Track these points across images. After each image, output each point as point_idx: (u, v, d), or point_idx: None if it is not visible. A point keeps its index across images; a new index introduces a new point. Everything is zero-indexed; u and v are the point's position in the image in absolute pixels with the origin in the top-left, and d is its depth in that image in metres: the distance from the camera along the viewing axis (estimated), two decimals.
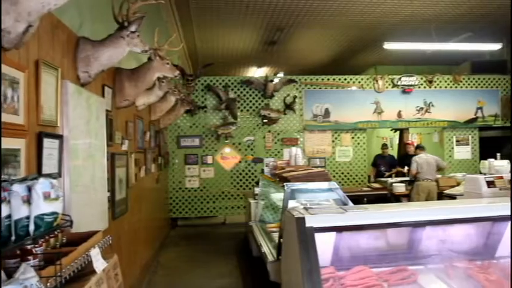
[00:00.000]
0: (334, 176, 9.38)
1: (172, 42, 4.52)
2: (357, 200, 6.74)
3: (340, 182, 9.33)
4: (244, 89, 9.30)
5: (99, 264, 2.11)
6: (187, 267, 6.30)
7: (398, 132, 11.49)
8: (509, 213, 2.84)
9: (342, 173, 9.60)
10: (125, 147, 4.53)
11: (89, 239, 2.14)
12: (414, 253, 3.09)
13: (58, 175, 2.59)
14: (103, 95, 3.75)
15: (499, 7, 8.91)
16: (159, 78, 4.87)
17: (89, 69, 3.15)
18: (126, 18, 3.21)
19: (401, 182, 8.24)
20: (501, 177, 3.62)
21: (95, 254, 2.10)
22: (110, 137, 3.95)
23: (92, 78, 3.21)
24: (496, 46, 9.77)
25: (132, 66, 4.33)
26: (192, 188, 9.22)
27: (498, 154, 7.06)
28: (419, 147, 8.30)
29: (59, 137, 2.70)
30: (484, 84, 10.15)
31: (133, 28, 3.18)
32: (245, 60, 13.24)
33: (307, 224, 2.58)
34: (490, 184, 3.59)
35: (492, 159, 4.80)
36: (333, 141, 9.59)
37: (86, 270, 2.05)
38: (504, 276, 2.83)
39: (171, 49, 4.42)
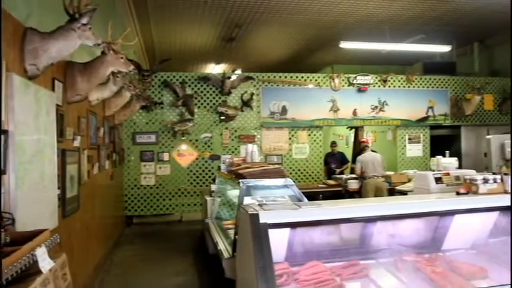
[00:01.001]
0: (290, 173, 9.46)
1: (128, 37, 4.42)
2: (313, 196, 6.83)
3: (296, 179, 9.45)
4: (201, 86, 9.22)
5: (46, 263, 2.04)
6: (142, 265, 6.19)
7: (353, 130, 11.71)
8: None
9: (299, 170, 9.70)
10: (76, 144, 4.40)
11: (34, 238, 2.06)
12: (366, 248, 3.17)
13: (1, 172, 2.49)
14: (53, 89, 3.62)
15: (449, 11, 9.25)
16: (113, 73, 4.76)
17: (37, 62, 3.03)
18: (78, 10, 3.11)
19: (356, 178, 8.43)
20: (448, 174, 3.76)
21: (41, 254, 2.02)
22: (61, 133, 3.83)
23: (40, 71, 3.09)
24: (446, 48, 10.17)
25: (85, 60, 4.21)
26: (148, 185, 9.07)
27: (447, 152, 7.34)
28: (363, 148, 8.56)
29: (4, 132, 2.58)
30: (435, 85, 10.50)
31: (84, 20, 3.08)
32: (203, 56, 13.15)
33: (261, 220, 2.60)
34: (438, 180, 3.72)
35: (440, 156, 4.98)
36: (290, 138, 9.67)
37: (32, 271, 1.98)
38: (449, 268, 2.95)
39: (126, 43, 4.32)
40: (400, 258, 3.08)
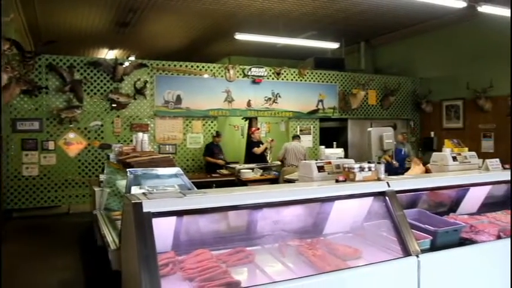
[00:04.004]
0: (185, 163, 9.42)
1: (6, 12, 4.04)
2: (207, 186, 6.81)
3: (190, 169, 9.42)
4: (91, 71, 8.75)
5: None
6: (23, 262, 5.76)
7: (248, 120, 11.94)
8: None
9: (193, 160, 9.67)
10: None
11: None
12: (252, 234, 3.25)
13: None
14: None
15: (339, 11, 9.79)
16: None
17: None
18: None
19: (250, 168, 8.63)
20: (329, 163, 3.98)
21: None
22: None
23: None
24: (335, 45, 10.77)
25: None
26: (31, 176, 8.42)
27: (335, 143, 7.78)
28: (295, 137, 9.36)
29: None
30: (325, 79, 11.06)
31: None
32: (95, 40, 12.52)
33: (145, 209, 2.54)
34: (321, 169, 3.92)
35: (323, 147, 5.27)
36: (184, 128, 9.59)
37: None
38: (328, 250, 3.13)
39: None
40: (284, 243, 3.20)
